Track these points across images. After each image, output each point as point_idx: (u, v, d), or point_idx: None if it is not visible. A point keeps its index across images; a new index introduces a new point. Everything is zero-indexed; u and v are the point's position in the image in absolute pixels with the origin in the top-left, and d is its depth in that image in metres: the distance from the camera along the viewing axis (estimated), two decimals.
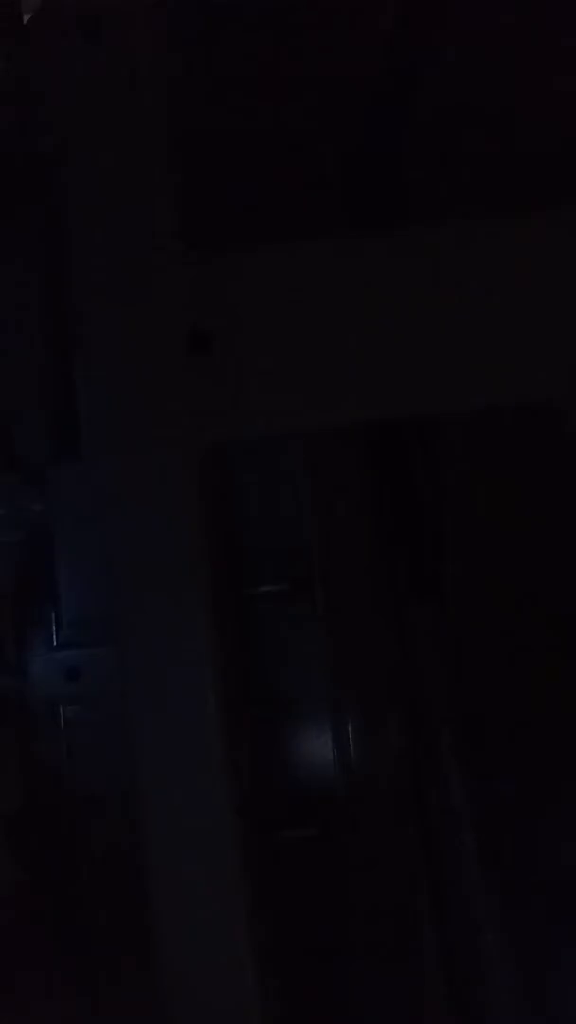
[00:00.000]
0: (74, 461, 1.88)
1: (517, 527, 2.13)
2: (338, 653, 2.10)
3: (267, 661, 2.08)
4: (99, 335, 1.81)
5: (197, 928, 1.73)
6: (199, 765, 1.75)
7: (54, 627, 1.99)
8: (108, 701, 1.95)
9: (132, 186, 1.74)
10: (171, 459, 1.79)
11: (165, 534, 1.80)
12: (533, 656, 2.11)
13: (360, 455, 2.15)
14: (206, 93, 1.79)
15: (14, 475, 1.92)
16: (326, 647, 2.09)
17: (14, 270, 1.87)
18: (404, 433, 2.18)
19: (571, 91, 1.95)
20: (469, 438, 2.16)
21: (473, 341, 1.76)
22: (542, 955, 2.04)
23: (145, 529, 1.80)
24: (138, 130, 1.72)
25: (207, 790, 1.74)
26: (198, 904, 1.77)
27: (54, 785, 1.94)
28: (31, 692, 1.99)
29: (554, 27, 1.89)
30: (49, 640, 2.00)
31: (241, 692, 1.98)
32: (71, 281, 1.81)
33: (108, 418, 1.82)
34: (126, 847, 1.84)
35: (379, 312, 1.79)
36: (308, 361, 1.80)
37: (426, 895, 2.10)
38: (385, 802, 2.10)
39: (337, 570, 2.09)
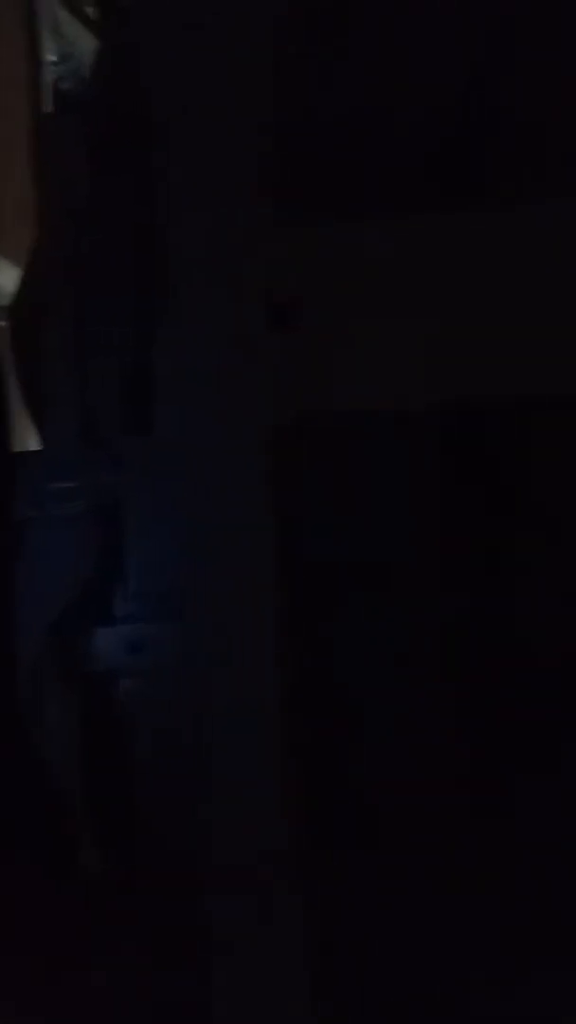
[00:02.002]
0: (148, 434, 1.86)
1: None
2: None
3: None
4: (182, 305, 1.80)
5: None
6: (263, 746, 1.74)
7: (118, 600, 1.97)
8: (170, 677, 1.92)
9: (228, 153, 1.72)
10: (246, 437, 1.78)
11: (235, 513, 1.79)
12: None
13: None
14: (311, 64, 1.75)
15: (88, 445, 1.90)
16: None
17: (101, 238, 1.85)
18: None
19: None
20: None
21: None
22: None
23: (216, 507, 1.79)
24: (243, 91, 1.70)
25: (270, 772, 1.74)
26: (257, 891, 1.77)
27: (113, 761, 1.92)
28: (93, 665, 1.97)
29: None
30: (112, 613, 1.97)
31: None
32: (155, 250, 1.79)
33: (187, 393, 1.80)
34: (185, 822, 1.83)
35: (470, 293, 1.76)
36: (393, 339, 1.77)
37: None
38: None
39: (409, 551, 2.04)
